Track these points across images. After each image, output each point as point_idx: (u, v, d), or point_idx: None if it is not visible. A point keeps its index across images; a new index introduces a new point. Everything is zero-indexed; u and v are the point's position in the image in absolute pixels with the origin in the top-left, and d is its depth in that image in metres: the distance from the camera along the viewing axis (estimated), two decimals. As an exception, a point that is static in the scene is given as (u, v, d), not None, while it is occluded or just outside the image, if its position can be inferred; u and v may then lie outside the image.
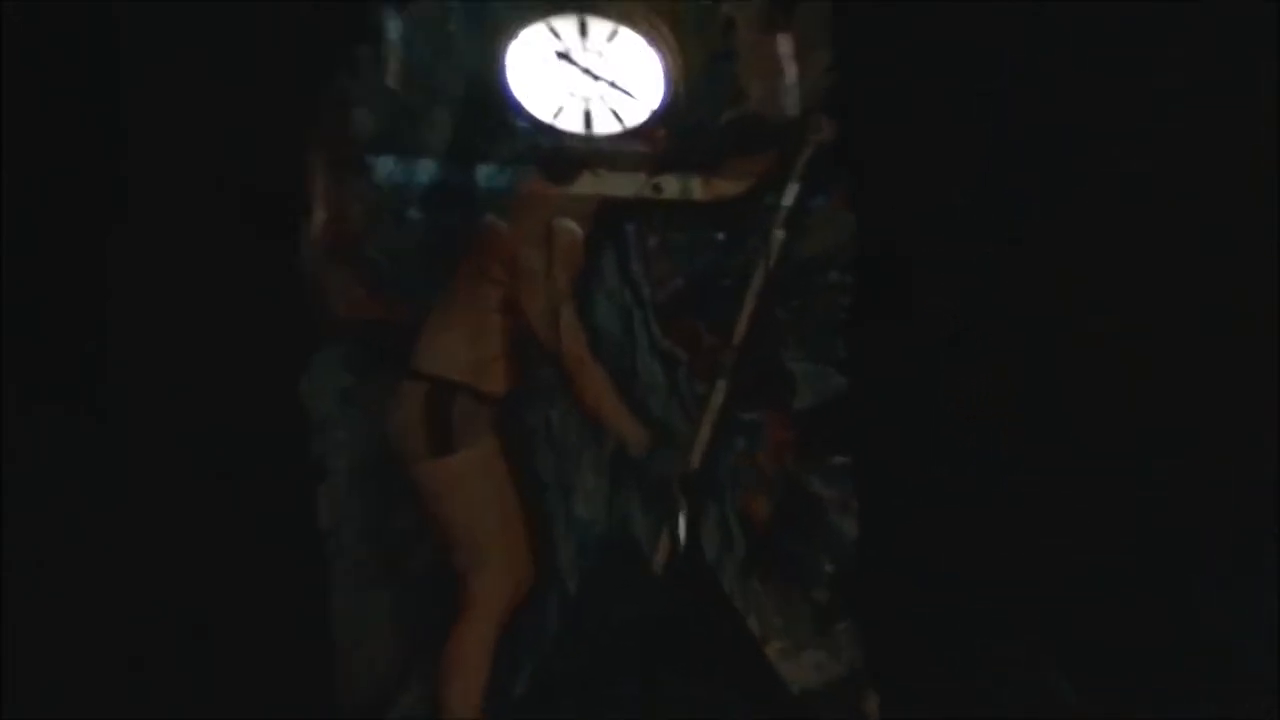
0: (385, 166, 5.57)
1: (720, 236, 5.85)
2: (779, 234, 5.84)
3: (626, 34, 5.86)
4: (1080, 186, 5.88)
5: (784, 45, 5.96)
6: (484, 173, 5.67)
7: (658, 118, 5.87)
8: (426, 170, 5.62)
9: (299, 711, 4.91)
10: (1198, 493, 5.42)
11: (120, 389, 5.16)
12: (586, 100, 5.81)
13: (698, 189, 5.84)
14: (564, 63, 5.81)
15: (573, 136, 5.79)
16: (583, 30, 5.82)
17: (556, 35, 5.80)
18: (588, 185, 5.75)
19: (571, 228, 5.65)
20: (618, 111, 5.84)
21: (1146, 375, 5.57)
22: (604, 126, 5.82)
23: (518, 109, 5.72)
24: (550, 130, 5.76)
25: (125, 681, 4.81)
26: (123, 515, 5.00)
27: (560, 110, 5.78)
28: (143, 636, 5.00)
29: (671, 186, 5.82)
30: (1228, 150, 5.57)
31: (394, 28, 5.61)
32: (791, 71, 5.96)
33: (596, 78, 5.81)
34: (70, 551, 4.91)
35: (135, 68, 5.37)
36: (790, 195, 5.89)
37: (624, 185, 5.78)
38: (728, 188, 5.88)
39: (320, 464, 5.33)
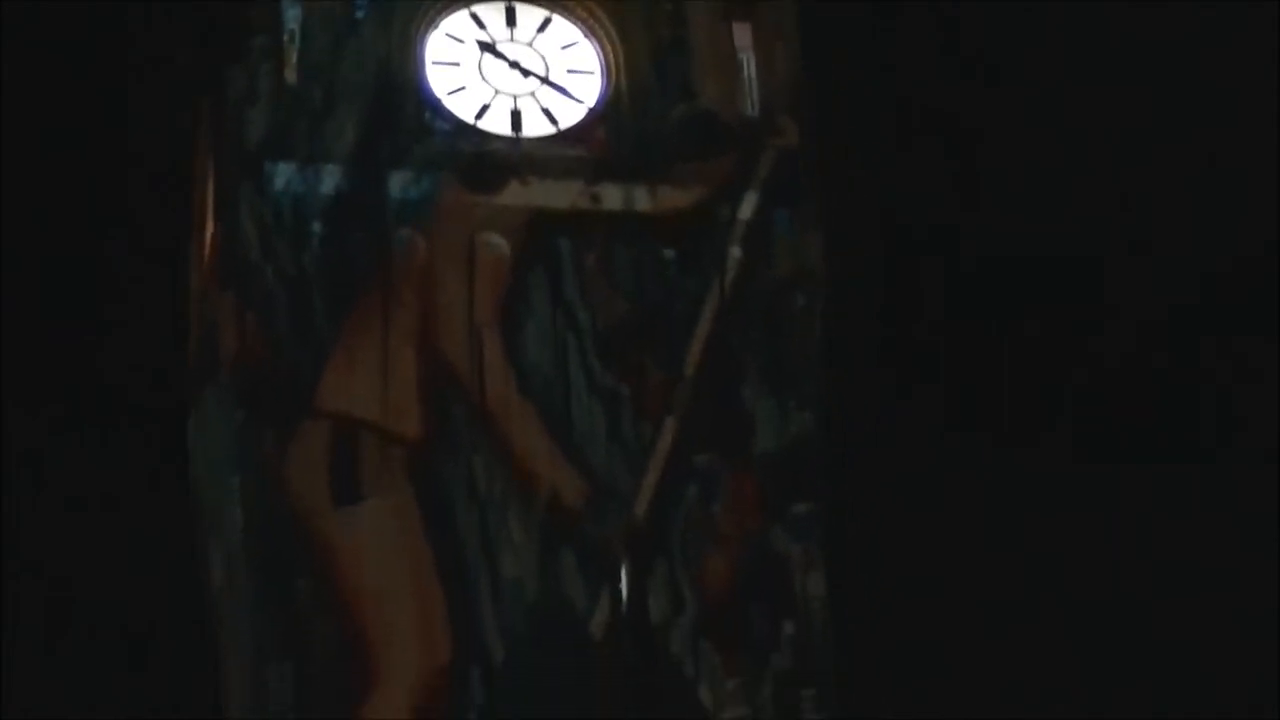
0: (283, 175, 5.52)
1: (669, 254, 5.84)
2: (736, 252, 5.85)
3: (560, 23, 5.93)
4: (1075, 185, 5.99)
5: (742, 35, 5.99)
6: (397, 181, 5.65)
7: (596, 118, 5.90)
8: (331, 178, 5.57)
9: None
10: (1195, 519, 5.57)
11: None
12: (515, 98, 5.86)
13: (643, 200, 5.84)
14: (489, 55, 5.85)
15: (499, 139, 5.82)
16: (510, 19, 5.88)
17: (480, 24, 5.86)
18: (516, 195, 5.74)
19: (497, 243, 5.66)
20: (550, 111, 5.88)
21: (1144, 393, 5.76)
22: (535, 128, 5.86)
23: (436, 108, 5.75)
24: (473, 132, 5.79)
25: None
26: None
27: (484, 110, 5.82)
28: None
29: (613, 197, 5.81)
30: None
31: (293, 17, 5.60)
32: (750, 65, 6.00)
33: (526, 73, 5.89)
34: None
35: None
36: (749, 207, 5.89)
37: (558, 195, 5.77)
38: (678, 198, 5.87)
39: (212, 516, 5.31)
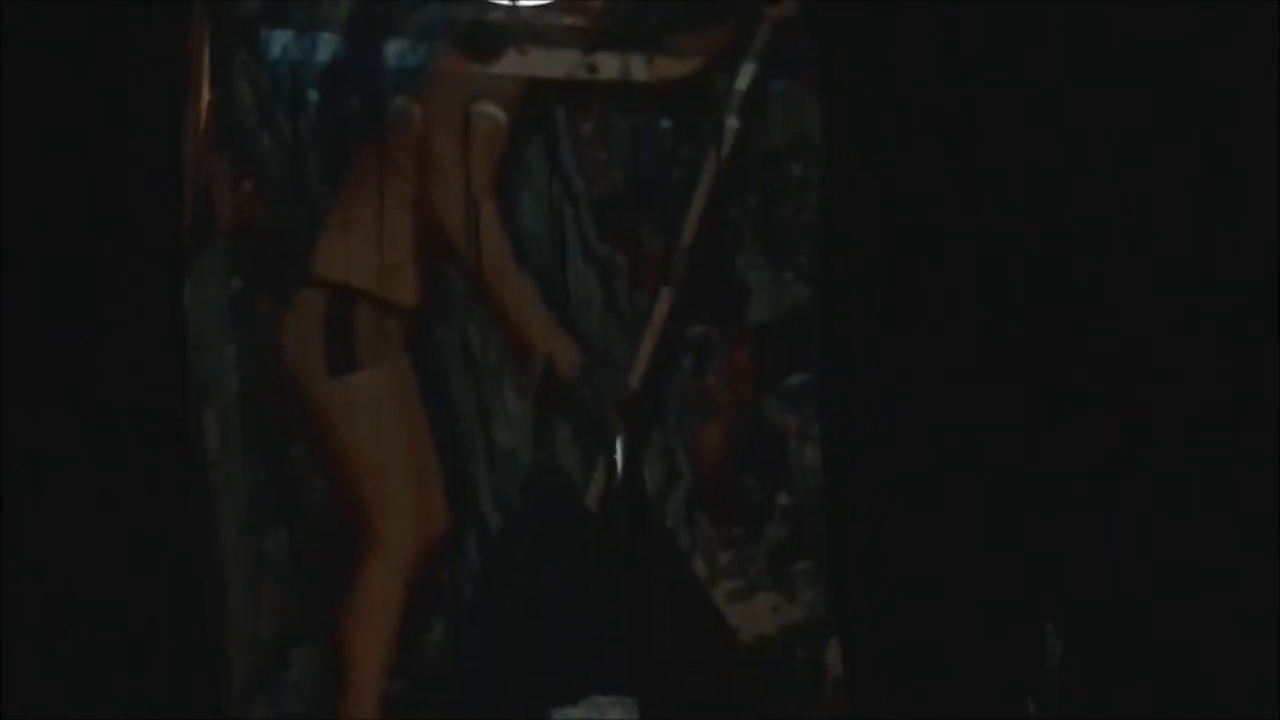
0: (279, 42, 5.54)
1: (666, 124, 5.83)
2: (733, 121, 5.86)
3: None
4: (1083, 70, 5.61)
5: None
6: (393, 49, 5.64)
7: None
8: (327, 46, 5.58)
9: (181, 672, 4.95)
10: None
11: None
12: None
13: (640, 69, 5.81)
14: None
15: (496, 8, 5.74)
16: None
17: None
18: (512, 64, 5.73)
19: (493, 113, 5.68)
20: None
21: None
22: None
23: None
24: (470, 1, 5.71)
25: None
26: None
27: None
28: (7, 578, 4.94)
29: (609, 66, 5.78)
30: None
31: None
32: None
33: None
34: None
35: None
36: (746, 77, 5.87)
37: (554, 64, 5.75)
38: (674, 68, 5.84)
39: (206, 385, 5.37)
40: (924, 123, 5.93)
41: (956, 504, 5.48)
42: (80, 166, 5.08)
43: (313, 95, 5.56)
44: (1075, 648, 5.66)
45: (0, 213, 4.87)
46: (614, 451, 5.64)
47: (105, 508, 4.96)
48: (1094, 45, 5.67)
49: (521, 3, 5.80)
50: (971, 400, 5.74)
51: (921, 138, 5.92)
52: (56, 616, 4.86)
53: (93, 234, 5.11)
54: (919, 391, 5.61)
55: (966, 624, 5.39)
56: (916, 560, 5.44)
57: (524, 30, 5.78)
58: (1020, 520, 5.60)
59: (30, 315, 4.90)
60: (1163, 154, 5.57)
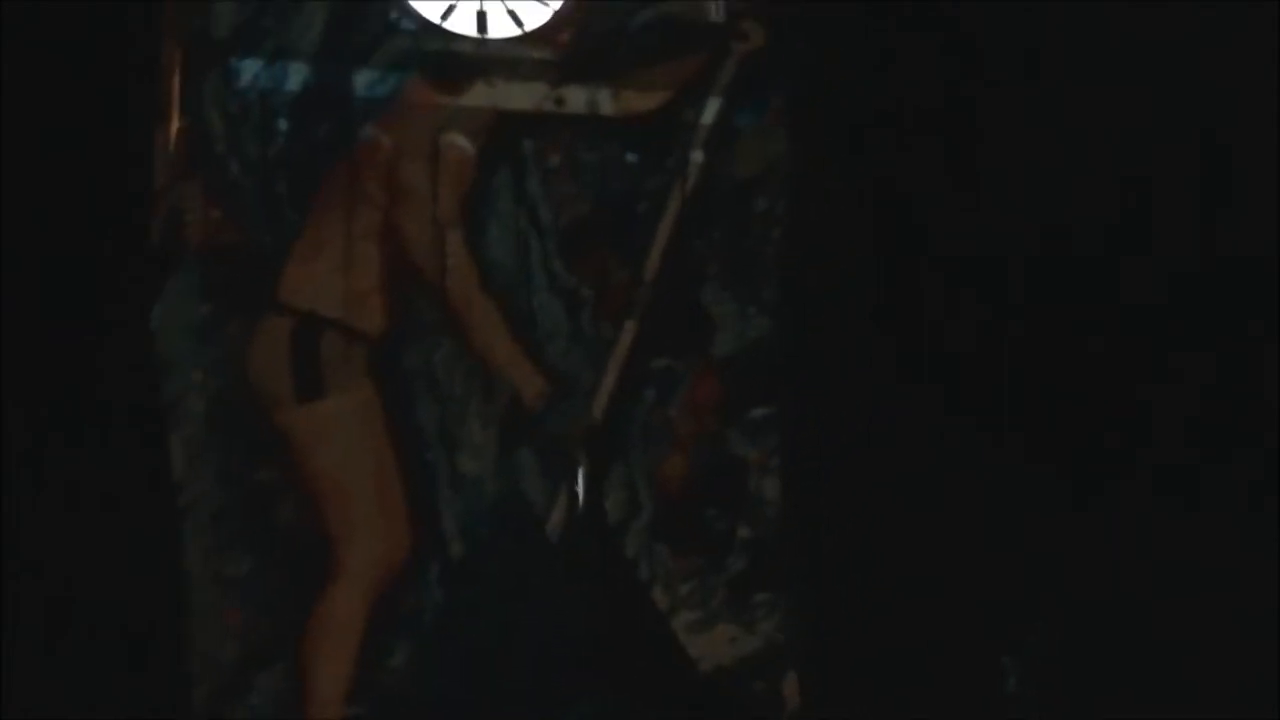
0: (250, 70, 5.65)
1: (632, 157, 5.95)
2: (698, 155, 5.97)
3: None
4: (1044, 98, 5.81)
5: None
6: (363, 79, 5.75)
7: (561, 21, 5.96)
8: (297, 75, 5.69)
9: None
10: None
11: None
12: (482, 1, 5.89)
13: (606, 102, 5.95)
14: None
15: (464, 40, 5.89)
16: None
17: None
18: (481, 96, 5.85)
19: (462, 144, 5.78)
20: (515, 12, 5.92)
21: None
22: (500, 29, 5.90)
23: (402, 7, 5.82)
24: (439, 32, 5.86)
25: None
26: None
27: (451, 9, 5.86)
28: None
29: (577, 99, 5.92)
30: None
31: None
32: None
33: None
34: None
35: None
36: (712, 111, 6.01)
37: (522, 97, 5.88)
38: (641, 101, 5.98)
39: (174, 408, 5.42)
40: (923, 124, 5.87)
41: (918, 537, 5.54)
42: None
43: (282, 123, 5.63)
44: (1016, 626, 5.67)
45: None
46: (576, 481, 5.70)
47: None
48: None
49: (490, 35, 5.91)
50: (937, 439, 5.71)
51: (920, 138, 5.86)
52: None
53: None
54: (878, 427, 5.67)
55: (927, 657, 5.46)
56: (876, 593, 5.51)
57: (493, 62, 5.88)
58: (982, 555, 5.64)
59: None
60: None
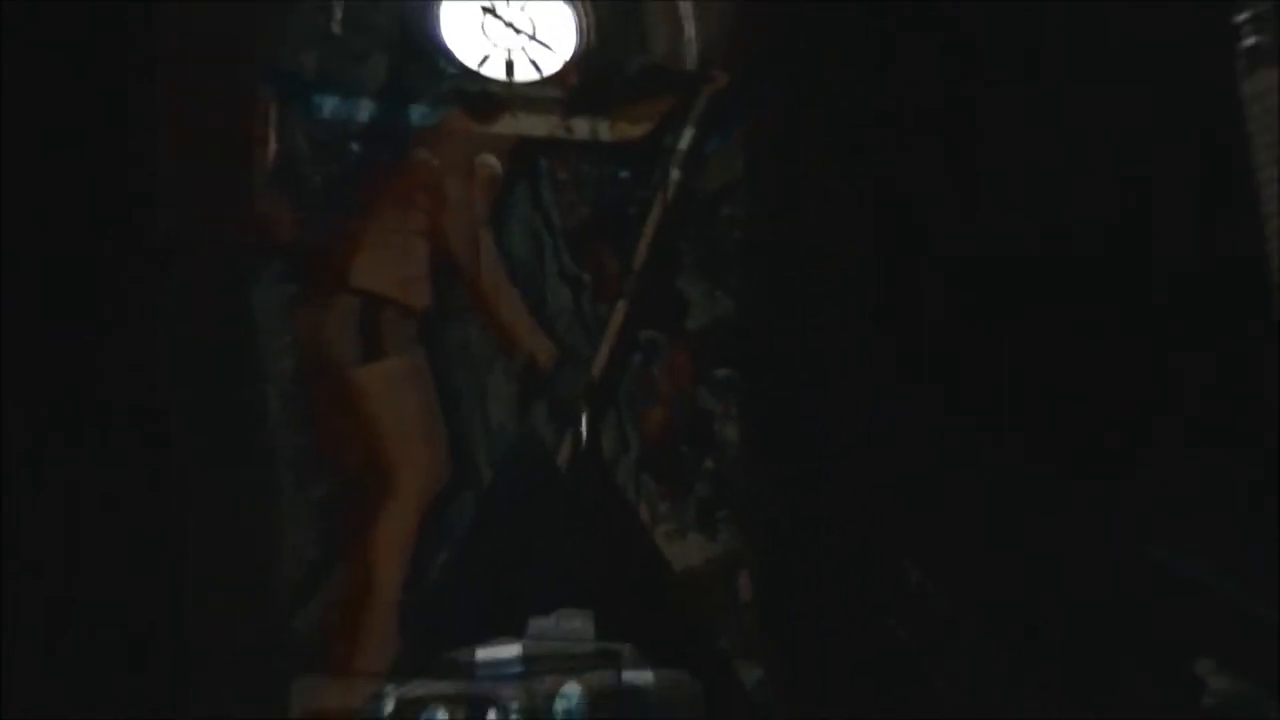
0: (329, 105, 6.36)
1: (624, 174, 6.65)
2: (675, 173, 6.64)
3: None
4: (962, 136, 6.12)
5: (686, 4, 6.77)
6: (416, 112, 6.46)
7: (570, 67, 6.64)
8: (365, 109, 6.40)
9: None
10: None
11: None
12: (509, 50, 6.62)
13: (605, 131, 6.64)
14: (489, 16, 6.62)
15: (495, 82, 6.57)
16: None
17: None
18: (507, 125, 6.55)
19: (492, 162, 6.46)
20: (536, 61, 6.63)
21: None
22: (523, 74, 6.62)
23: (447, 56, 6.50)
24: (475, 76, 6.56)
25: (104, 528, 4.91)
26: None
27: (485, 59, 6.57)
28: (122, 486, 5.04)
29: (581, 128, 6.60)
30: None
31: None
32: (691, 27, 6.76)
33: (518, 30, 6.64)
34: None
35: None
36: (687, 138, 6.68)
37: (539, 126, 6.57)
38: (631, 130, 6.67)
39: (266, 368, 6.04)
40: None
41: (843, 467, 6.04)
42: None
43: (353, 146, 6.35)
44: (925, 535, 5.72)
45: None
46: (579, 426, 6.38)
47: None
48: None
49: (515, 79, 6.63)
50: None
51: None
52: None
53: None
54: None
55: (847, 561, 6.02)
56: (811, 512, 6.13)
57: (516, 99, 6.60)
58: (881, 480, 5.92)
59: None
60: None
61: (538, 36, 6.68)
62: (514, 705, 5.24)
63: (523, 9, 6.68)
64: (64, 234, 4.91)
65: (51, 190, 4.88)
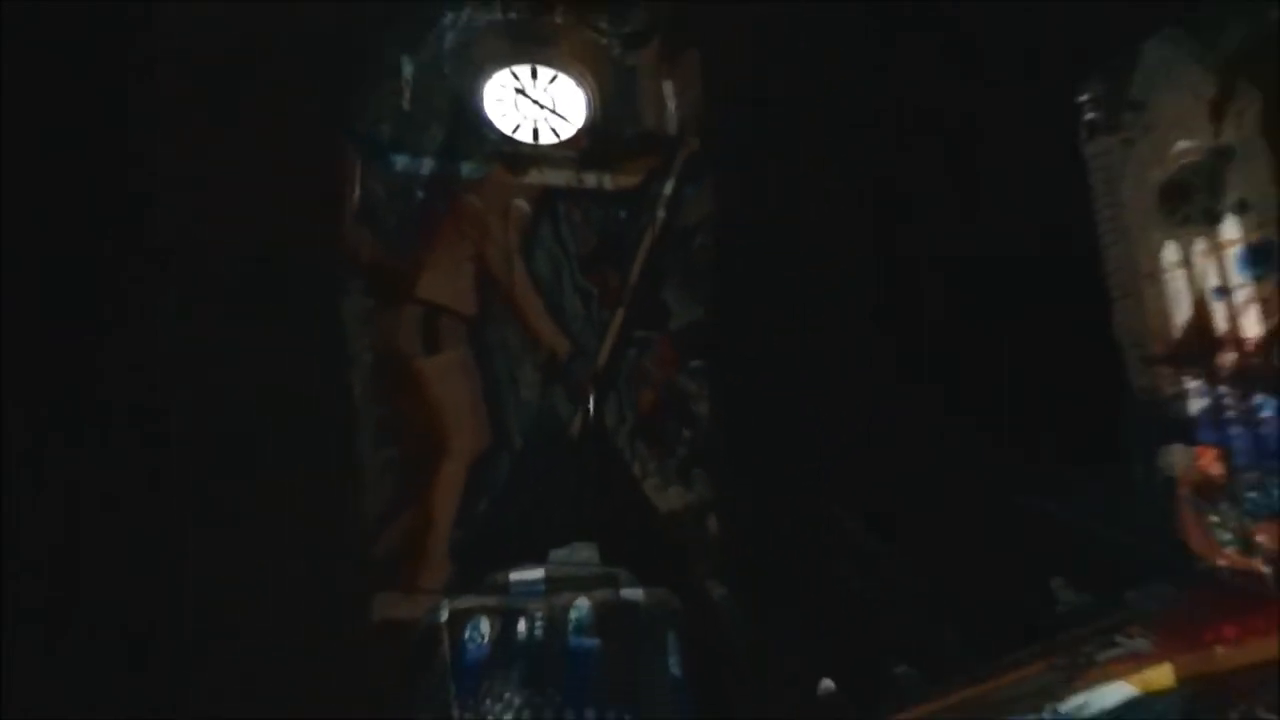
0: (400, 161, 7.40)
1: (622, 214, 7.70)
2: (661, 213, 7.70)
3: (564, 78, 7.74)
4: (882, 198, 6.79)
5: (668, 87, 7.88)
6: (466, 167, 7.51)
7: (582, 133, 7.67)
8: (428, 164, 7.45)
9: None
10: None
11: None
12: (535, 121, 7.65)
13: (608, 181, 7.69)
14: (521, 96, 7.66)
15: (525, 145, 7.60)
16: (534, 75, 7.71)
17: (516, 77, 7.65)
18: (534, 177, 7.58)
19: (523, 205, 7.52)
20: (555, 129, 7.67)
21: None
22: (547, 138, 7.69)
23: (489, 125, 7.54)
24: (510, 140, 7.57)
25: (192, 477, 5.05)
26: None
27: (518, 127, 7.60)
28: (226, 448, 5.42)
29: (590, 179, 7.66)
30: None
31: (407, 68, 7.46)
32: (672, 104, 7.85)
33: (542, 106, 7.69)
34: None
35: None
36: (669, 187, 7.74)
37: (558, 178, 7.62)
38: (628, 181, 7.72)
39: (354, 358, 7.05)
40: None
41: (799, 434, 6.95)
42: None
43: (419, 193, 7.36)
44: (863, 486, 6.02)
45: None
46: (588, 404, 7.39)
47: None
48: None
49: (541, 142, 7.64)
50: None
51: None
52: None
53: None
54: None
55: (793, 509, 7.03)
56: (764, 469, 7.13)
57: (541, 157, 7.61)
58: (829, 445, 6.65)
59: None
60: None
61: (557, 110, 7.68)
62: (538, 615, 6.39)
63: (545, 90, 7.63)
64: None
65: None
